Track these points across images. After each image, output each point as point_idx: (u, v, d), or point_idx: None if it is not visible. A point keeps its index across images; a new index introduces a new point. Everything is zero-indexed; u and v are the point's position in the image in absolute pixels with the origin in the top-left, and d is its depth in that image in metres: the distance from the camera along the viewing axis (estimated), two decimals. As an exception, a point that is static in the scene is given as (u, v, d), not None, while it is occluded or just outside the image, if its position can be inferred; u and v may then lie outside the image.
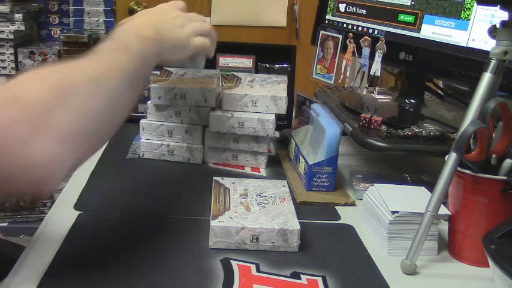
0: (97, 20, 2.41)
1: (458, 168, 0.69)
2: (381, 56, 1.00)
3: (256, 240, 0.71)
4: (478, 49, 0.86)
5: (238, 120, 0.98)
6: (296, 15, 1.88)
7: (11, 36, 2.25)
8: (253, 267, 0.68)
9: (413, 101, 1.07)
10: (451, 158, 0.67)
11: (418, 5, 0.97)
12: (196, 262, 0.68)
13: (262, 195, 0.81)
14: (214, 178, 0.87)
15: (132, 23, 0.74)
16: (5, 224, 2.41)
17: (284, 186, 0.86)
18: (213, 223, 0.71)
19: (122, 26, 0.73)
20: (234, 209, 0.76)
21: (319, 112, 0.99)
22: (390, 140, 0.90)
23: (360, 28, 1.09)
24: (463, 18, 0.88)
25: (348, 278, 0.67)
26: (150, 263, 0.67)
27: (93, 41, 2.32)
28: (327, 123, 0.92)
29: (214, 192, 0.81)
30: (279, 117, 1.03)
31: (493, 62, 0.69)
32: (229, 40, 1.34)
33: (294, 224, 0.72)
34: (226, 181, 0.86)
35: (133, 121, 1.13)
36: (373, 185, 0.81)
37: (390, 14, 1.02)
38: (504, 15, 0.70)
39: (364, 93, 1.14)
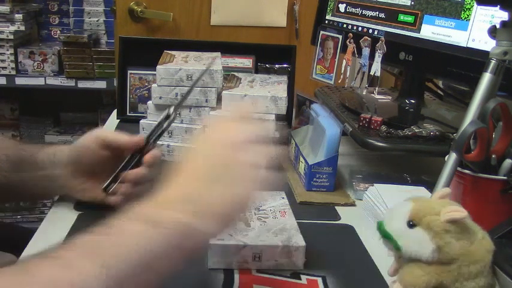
0: (97, 20, 2.41)
1: (458, 168, 0.69)
2: (381, 56, 1.00)
3: (259, 259, 0.67)
4: (478, 49, 0.86)
5: (238, 120, 0.98)
6: (296, 15, 1.88)
7: (11, 37, 2.25)
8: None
9: (413, 101, 1.07)
10: (451, 158, 0.67)
11: (418, 5, 0.97)
12: (196, 262, 0.68)
13: (261, 208, 0.76)
14: None
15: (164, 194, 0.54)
16: (5, 224, 2.40)
17: (283, 198, 0.80)
18: (212, 241, 0.66)
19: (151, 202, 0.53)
20: None
21: (319, 112, 0.99)
22: (390, 140, 0.90)
23: (359, 28, 1.09)
24: (463, 18, 0.88)
25: (348, 278, 0.67)
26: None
27: (92, 41, 2.32)
28: (327, 123, 0.92)
29: None
30: (279, 117, 1.03)
31: (493, 62, 0.69)
32: (229, 40, 1.35)
33: (299, 240, 0.68)
34: None
35: (133, 121, 1.13)
36: (373, 185, 0.81)
37: (390, 14, 1.02)
38: (504, 15, 0.70)
39: (364, 93, 1.14)
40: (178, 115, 1.02)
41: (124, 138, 0.77)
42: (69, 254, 0.45)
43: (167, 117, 0.77)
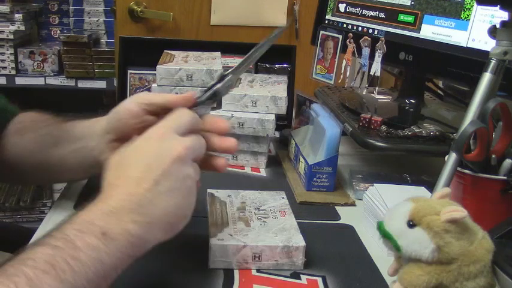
0: (97, 20, 2.41)
1: (458, 168, 0.69)
2: (381, 56, 1.00)
3: (259, 259, 0.67)
4: (478, 49, 0.86)
5: (238, 120, 0.98)
6: (296, 15, 1.88)
7: (11, 36, 2.25)
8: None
9: (413, 101, 1.07)
10: (451, 158, 0.67)
11: (418, 5, 0.97)
12: (196, 261, 0.68)
13: (261, 208, 0.76)
14: (209, 190, 0.81)
15: (108, 202, 0.53)
16: (5, 224, 2.40)
17: (283, 198, 0.80)
18: (212, 241, 0.66)
19: (92, 209, 0.53)
20: (233, 224, 0.70)
21: (319, 112, 0.99)
22: (390, 140, 0.90)
23: (359, 28, 1.09)
24: (463, 18, 0.88)
25: (348, 278, 0.67)
26: (148, 261, 0.67)
27: (93, 41, 2.32)
28: (327, 123, 0.92)
29: (210, 207, 0.76)
30: (279, 117, 1.03)
31: (493, 62, 0.69)
32: (229, 40, 1.34)
33: (299, 240, 0.68)
34: (222, 193, 0.80)
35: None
36: (373, 185, 0.81)
37: (390, 14, 1.02)
38: (504, 15, 0.70)
39: (364, 93, 1.14)
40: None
41: (172, 96, 0.67)
42: (31, 272, 0.45)
43: (222, 77, 0.66)
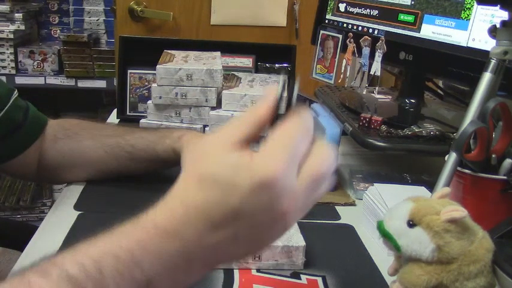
0: (97, 20, 2.41)
1: (458, 168, 0.69)
2: (381, 55, 1.00)
3: (259, 259, 0.67)
4: (478, 49, 0.85)
5: (238, 120, 0.98)
6: (296, 15, 1.88)
7: (11, 36, 2.25)
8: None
9: (413, 101, 1.07)
10: (451, 157, 0.67)
11: (418, 5, 0.97)
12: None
13: None
14: None
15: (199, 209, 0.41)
16: (5, 224, 2.40)
17: None
18: None
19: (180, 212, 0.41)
20: None
21: (319, 112, 0.99)
22: (390, 139, 0.90)
23: (360, 28, 1.09)
24: (463, 18, 0.88)
25: (348, 278, 0.67)
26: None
27: (92, 40, 2.32)
28: (327, 123, 0.92)
29: None
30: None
31: (493, 62, 0.69)
32: (229, 40, 1.34)
33: (299, 240, 0.68)
34: None
35: (133, 121, 1.13)
36: (373, 185, 0.81)
37: (390, 14, 1.02)
38: (504, 15, 0.70)
39: (364, 93, 1.14)
40: (178, 115, 1.02)
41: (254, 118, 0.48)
42: None
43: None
